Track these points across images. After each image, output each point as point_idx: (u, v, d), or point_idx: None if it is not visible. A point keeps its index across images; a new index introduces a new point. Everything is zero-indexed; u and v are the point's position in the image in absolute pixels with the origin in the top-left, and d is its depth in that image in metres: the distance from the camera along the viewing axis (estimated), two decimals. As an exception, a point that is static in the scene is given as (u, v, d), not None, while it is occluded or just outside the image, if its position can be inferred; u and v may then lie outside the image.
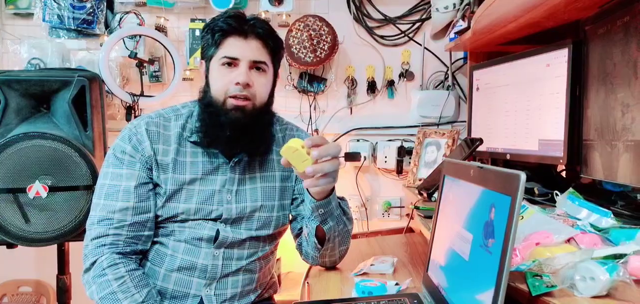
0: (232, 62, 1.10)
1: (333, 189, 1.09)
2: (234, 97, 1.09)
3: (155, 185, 1.12)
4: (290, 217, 1.25)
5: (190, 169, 1.13)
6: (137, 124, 1.13)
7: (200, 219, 1.12)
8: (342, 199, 1.19)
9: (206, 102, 1.12)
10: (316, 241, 1.14)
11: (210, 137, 1.11)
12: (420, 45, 2.09)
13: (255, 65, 1.11)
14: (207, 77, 1.14)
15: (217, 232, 1.12)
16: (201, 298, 1.12)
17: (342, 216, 1.15)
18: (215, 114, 1.10)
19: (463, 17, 1.60)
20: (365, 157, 2.06)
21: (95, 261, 1.05)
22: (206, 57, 1.14)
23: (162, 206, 1.11)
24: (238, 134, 1.09)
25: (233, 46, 1.10)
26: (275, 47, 1.15)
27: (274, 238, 1.23)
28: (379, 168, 2.12)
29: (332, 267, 1.27)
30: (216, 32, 1.10)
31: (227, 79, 1.09)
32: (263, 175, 1.19)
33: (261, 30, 1.11)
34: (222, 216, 1.13)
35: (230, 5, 1.95)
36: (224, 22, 1.10)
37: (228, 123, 1.08)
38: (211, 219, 1.13)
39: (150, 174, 1.11)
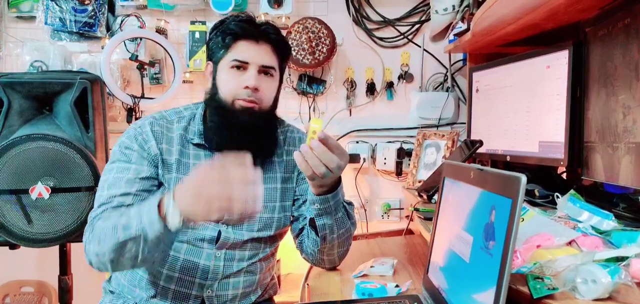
0: (241, 66, 1.10)
1: (332, 190, 1.09)
2: (243, 100, 1.09)
3: (160, 184, 1.12)
4: (292, 218, 1.26)
5: (193, 170, 1.13)
6: (141, 124, 1.14)
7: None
8: (349, 203, 1.20)
9: (215, 105, 1.12)
10: (313, 234, 1.15)
11: (221, 138, 1.11)
12: (420, 47, 2.09)
13: (264, 70, 1.12)
14: (214, 79, 1.14)
15: (219, 233, 1.12)
16: (203, 298, 1.13)
17: (345, 218, 1.15)
18: (224, 116, 1.11)
19: (462, 19, 1.61)
20: (364, 159, 2.06)
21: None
22: (214, 59, 1.14)
23: None
24: (246, 135, 1.10)
25: (244, 50, 1.10)
26: (284, 52, 1.16)
27: (274, 240, 1.23)
28: (378, 170, 2.12)
29: (331, 268, 1.27)
30: (227, 34, 1.10)
31: (236, 82, 1.10)
32: (264, 177, 1.18)
33: (273, 36, 1.12)
34: (224, 216, 1.13)
35: (231, 8, 1.95)
36: (236, 25, 1.10)
37: (237, 124, 1.09)
38: (212, 220, 1.13)
39: (157, 171, 1.11)
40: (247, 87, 1.09)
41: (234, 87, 1.10)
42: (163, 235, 0.91)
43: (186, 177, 0.92)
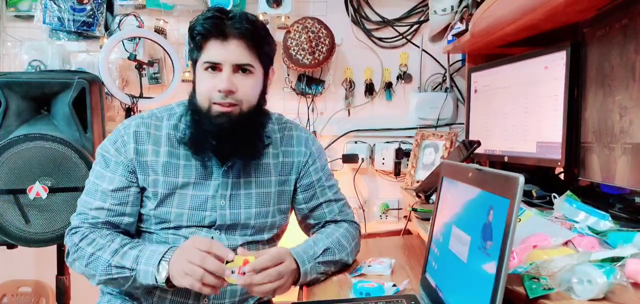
0: (214, 67, 1.04)
1: (300, 275, 1.07)
2: (219, 104, 1.04)
3: (143, 189, 1.10)
4: (293, 210, 1.27)
5: (183, 172, 1.10)
6: (127, 125, 1.12)
7: (193, 226, 1.11)
8: (325, 250, 1.12)
9: (193, 108, 1.09)
10: None
11: (197, 144, 1.08)
12: (418, 47, 2.09)
13: (240, 68, 1.05)
14: (194, 80, 1.10)
15: (211, 239, 1.11)
16: None
17: (329, 269, 1.14)
18: (200, 121, 1.06)
19: (461, 20, 1.61)
20: (363, 159, 2.06)
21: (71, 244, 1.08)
22: (192, 60, 1.10)
23: (154, 208, 1.09)
24: (224, 141, 1.06)
25: (213, 50, 1.03)
26: (259, 45, 1.06)
27: (271, 242, 1.22)
28: (376, 170, 2.12)
29: None
30: (196, 35, 1.04)
31: (210, 85, 1.04)
32: (258, 180, 1.16)
33: (240, 29, 1.02)
34: (216, 222, 1.12)
35: (229, 8, 1.95)
36: (202, 25, 1.03)
37: (213, 130, 1.05)
38: (205, 227, 1.11)
39: (132, 177, 1.09)
40: (220, 91, 1.03)
41: (208, 89, 1.04)
42: (149, 285, 1.01)
43: (183, 245, 1.00)
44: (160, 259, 0.98)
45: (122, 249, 1.03)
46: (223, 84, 1.03)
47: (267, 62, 1.11)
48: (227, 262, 0.96)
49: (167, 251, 1.00)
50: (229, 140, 1.06)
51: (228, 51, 1.03)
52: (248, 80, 1.06)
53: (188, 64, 2.02)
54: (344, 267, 1.20)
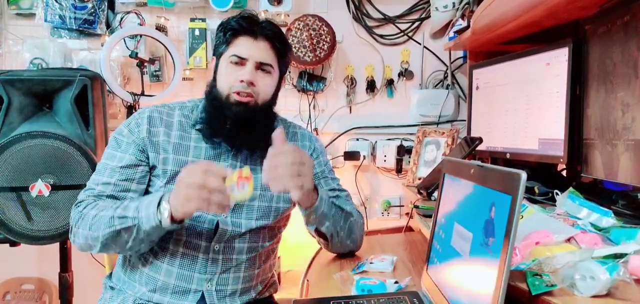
0: (240, 61, 1.14)
1: (318, 196, 1.11)
2: (238, 93, 1.12)
3: (153, 167, 1.14)
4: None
5: (193, 152, 1.16)
6: (141, 111, 1.19)
7: None
8: (336, 196, 1.23)
9: (212, 96, 1.16)
10: (320, 239, 1.22)
11: (213, 128, 1.15)
12: (420, 44, 2.09)
13: (261, 66, 1.15)
14: (215, 72, 1.18)
15: (217, 225, 1.13)
16: (202, 292, 1.13)
17: (339, 213, 1.19)
18: (219, 108, 1.14)
19: (462, 16, 1.61)
20: (364, 156, 2.06)
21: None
22: (217, 54, 1.19)
23: (163, 186, 1.13)
24: (239, 128, 1.13)
25: (242, 45, 1.14)
26: (282, 49, 1.18)
27: (273, 231, 1.23)
28: (378, 167, 2.12)
29: (342, 254, 1.31)
30: (228, 30, 1.15)
31: (233, 77, 1.13)
32: (262, 167, 1.19)
33: (270, 33, 1.15)
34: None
35: (230, 5, 1.96)
36: (236, 22, 1.15)
37: (231, 117, 1.12)
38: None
39: (142, 156, 1.14)
40: (242, 81, 1.12)
41: (231, 81, 1.13)
42: (154, 230, 1.02)
43: (179, 176, 1.01)
44: (160, 200, 1.01)
45: (123, 203, 1.06)
46: (246, 75, 1.12)
47: (283, 69, 1.22)
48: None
49: (164, 193, 1.03)
50: (243, 128, 1.13)
51: (255, 48, 1.14)
52: (266, 78, 1.16)
53: (188, 61, 2.02)
54: (349, 231, 1.23)
